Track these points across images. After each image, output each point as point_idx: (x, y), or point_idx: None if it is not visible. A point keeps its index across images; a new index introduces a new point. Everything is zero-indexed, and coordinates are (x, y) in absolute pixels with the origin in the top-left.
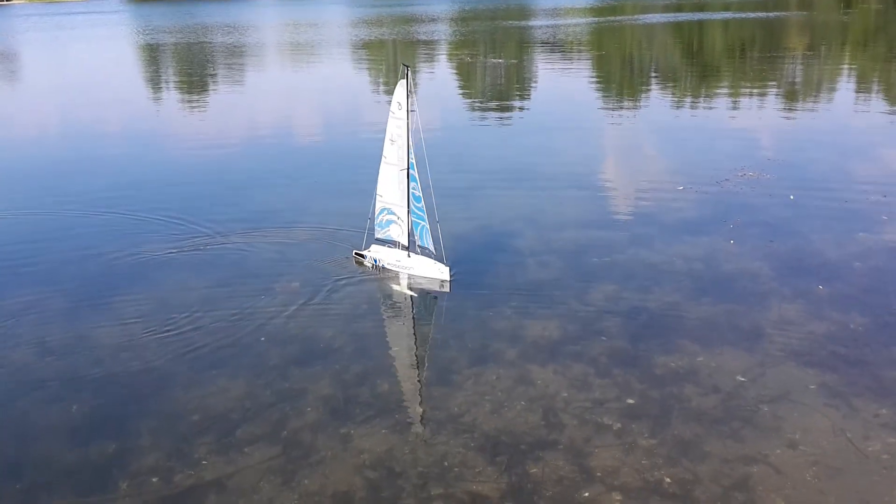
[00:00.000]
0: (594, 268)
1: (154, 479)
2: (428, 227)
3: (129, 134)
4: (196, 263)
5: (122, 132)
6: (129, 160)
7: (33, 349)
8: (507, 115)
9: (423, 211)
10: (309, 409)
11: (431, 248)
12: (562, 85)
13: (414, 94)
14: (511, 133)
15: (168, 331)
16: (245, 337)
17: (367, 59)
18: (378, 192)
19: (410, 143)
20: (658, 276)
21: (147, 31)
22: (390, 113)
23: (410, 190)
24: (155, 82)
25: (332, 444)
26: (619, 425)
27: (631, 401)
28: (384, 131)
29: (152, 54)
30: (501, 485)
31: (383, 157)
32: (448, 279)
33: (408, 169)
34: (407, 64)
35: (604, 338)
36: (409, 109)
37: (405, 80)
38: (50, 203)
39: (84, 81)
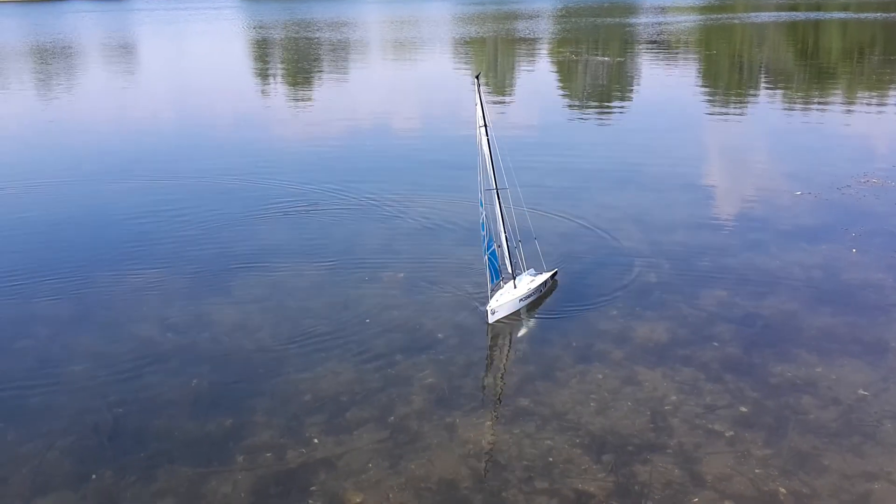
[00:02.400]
0: (705, 271)
1: (268, 455)
2: (499, 249)
3: (242, 124)
4: (307, 251)
5: (234, 125)
6: (241, 148)
7: (156, 325)
8: (610, 114)
9: (485, 238)
10: (415, 396)
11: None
12: (667, 84)
13: (482, 105)
14: (615, 133)
15: (280, 313)
16: (353, 323)
17: (467, 57)
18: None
19: (487, 158)
20: (773, 282)
21: (257, 27)
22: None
23: (481, 216)
24: (264, 76)
25: (438, 432)
26: (731, 433)
27: (744, 409)
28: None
29: (262, 49)
30: (608, 484)
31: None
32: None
33: (496, 189)
34: (478, 74)
35: (715, 343)
36: (480, 124)
37: (477, 93)
38: (174, 186)
39: (200, 73)
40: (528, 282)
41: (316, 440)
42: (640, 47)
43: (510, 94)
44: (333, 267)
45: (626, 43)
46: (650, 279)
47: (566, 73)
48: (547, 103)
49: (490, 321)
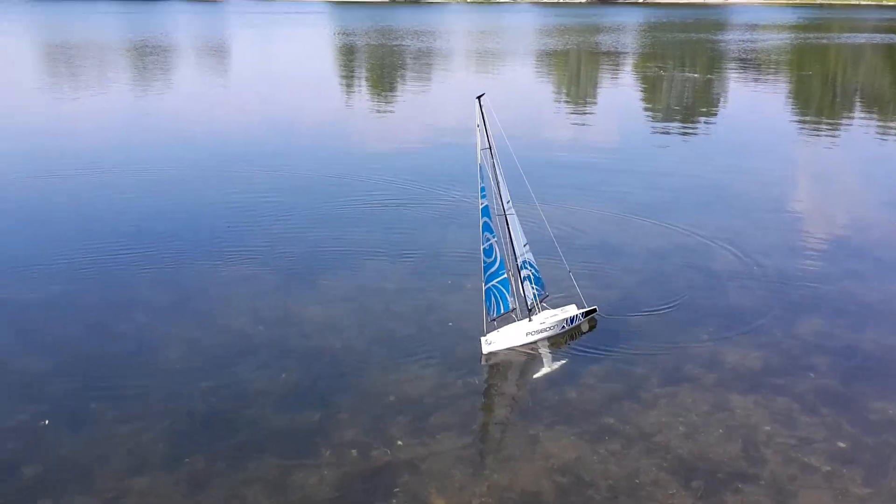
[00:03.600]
0: (801, 298)
1: (353, 452)
2: (510, 278)
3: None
4: (394, 252)
5: (319, 125)
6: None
7: (248, 317)
8: (698, 131)
9: (493, 266)
10: (497, 406)
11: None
12: (757, 104)
13: (485, 127)
14: (701, 151)
15: (366, 314)
16: (436, 327)
17: (549, 69)
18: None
19: (498, 181)
20: (874, 314)
21: (343, 33)
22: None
23: (487, 241)
24: (349, 80)
25: (521, 444)
26: (828, 468)
27: (842, 444)
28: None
29: (348, 55)
30: None
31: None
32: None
33: (504, 213)
34: (480, 95)
35: (812, 374)
36: (484, 146)
37: (479, 115)
38: (269, 182)
39: (289, 75)
40: (548, 316)
41: (400, 441)
42: (729, 65)
43: (591, 109)
44: (418, 270)
45: (713, 60)
46: (743, 303)
47: (651, 88)
48: (630, 119)
49: (484, 351)
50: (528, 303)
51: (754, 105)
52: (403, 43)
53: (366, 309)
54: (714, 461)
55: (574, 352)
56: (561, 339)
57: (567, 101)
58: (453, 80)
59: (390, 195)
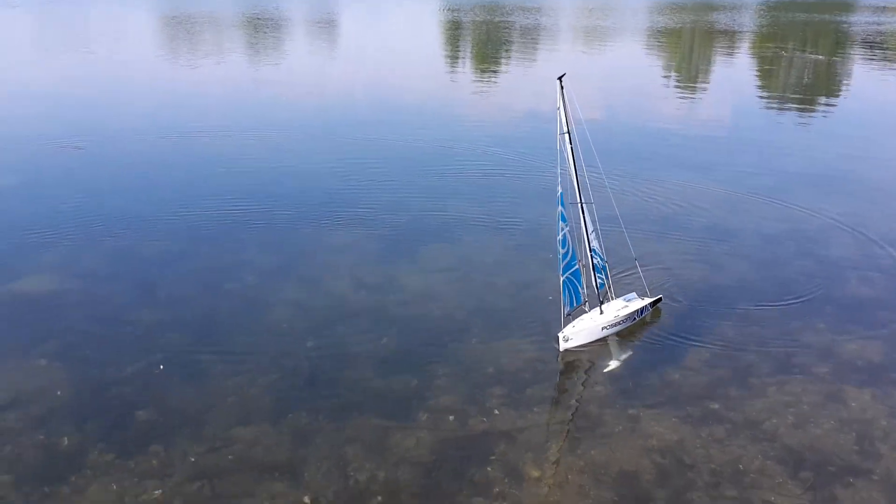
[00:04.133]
0: None
1: (450, 418)
2: (584, 269)
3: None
4: (496, 228)
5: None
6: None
7: (351, 282)
8: (818, 114)
9: (566, 257)
10: (596, 383)
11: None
12: (882, 89)
13: (565, 110)
14: (821, 135)
15: (466, 285)
16: (535, 302)
17: (662, 48)
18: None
19: (575, 170)
20: None
21: (450, 9)
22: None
23: (562, 231)
24: (453, 57)
25: (620, 422)
26: None
27: None
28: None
29: (453, 29)
30: (804, 502)
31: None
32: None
33: (580, 203)
34: (562, 76)
35: None
36: (562, 131)
37: (560, 97)
38: (374, 150)
39: (395, 49)
40: (619, 308)
41: (497, 411)
42: (854, 47)
43: (703, 89)
44: (519, 244)
45: (837, 42)
46: (863, 293)
47: (768, 70)
48: (746, 98)
49: (561, 349)
50: (598, 294)
51: (880, 89)
52: (510, 19)
53: (465, 280)
54: (825, 453)
55: (677, 336)
56: (663, 318)
57: (677, 81)
58: (559, 56)
59: (493, 167)
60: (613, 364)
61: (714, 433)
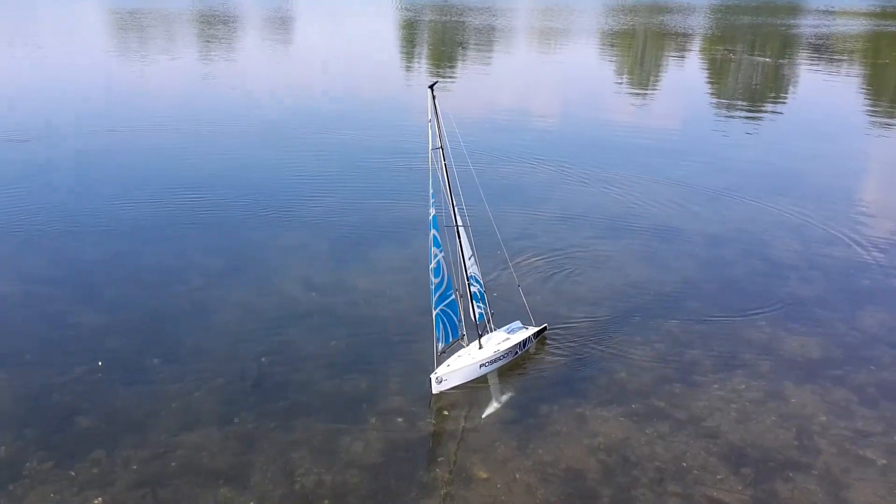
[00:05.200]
0: (866, 291)
1: (399, 420)
2: (460, 299)
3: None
4: (443, 229)
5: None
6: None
7: (300, 284)
8: (765, 117)
9: (440, 287)
10: (545, 383)
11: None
12: (828, 92)
13: (438, 122)
14: (770, 137)
15: (417, 286)
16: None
17: (613, 50)
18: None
19: (449, 189)
20: None
21: (408, 8)
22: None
23: (435, 258)
24: (409, 56)
25: (568, 421)
26: (884, 461)
27: None
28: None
29: (410, 31)
30: (745, 497)
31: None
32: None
33: (455, 226)
34: (433, 85)
35: (872, 367)
36: (435, 146)
37: (432, 107)
38: (323, 151)
39: (351, 49)
40: (499, 341)
41: (446, 412)
42: (802, 51)
43: (653, 91)
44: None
45: (785, 45)
46: (804, 293)
47: (717, 72)
48: (694, 100)
49: (434, 391)
50: (477, 326)
51: (827, 93)
52: (466, 19)
53: (415, 281)
54: (766, 449)
55: (624, 332)
56: (608, 316)
57: (628, 84)
58: (514, 58)
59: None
60: (493, 407)
61: (659, 430)
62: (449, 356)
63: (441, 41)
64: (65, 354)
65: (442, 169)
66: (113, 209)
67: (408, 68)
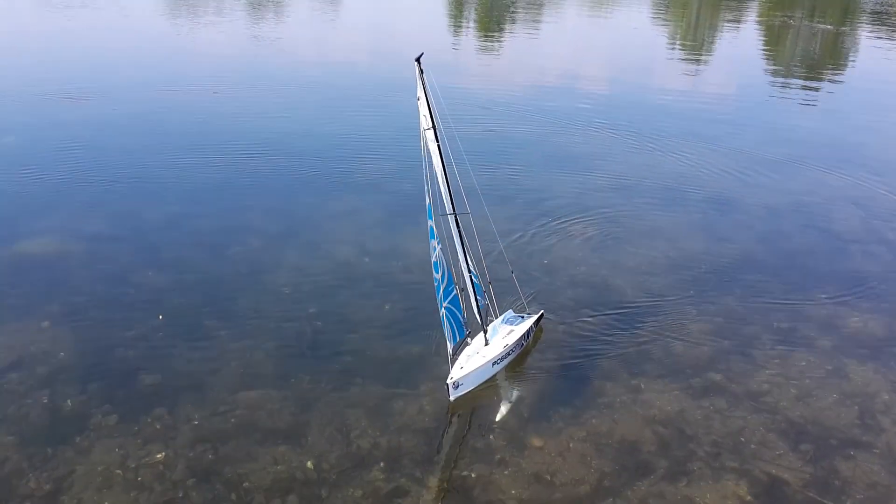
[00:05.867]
0: None
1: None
2: (462, 293)
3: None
4: (503, 196)
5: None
6: None
7: (354, 249)
8: (824, 87)
9: (440, 282)
10: (600, 354)
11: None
12: (891, 61)
13: (428, 100)
14: (830, 107)
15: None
16: (537, 270)
17: (666, 16)
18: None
19: (445, 174)
20: None
21: None
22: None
23: (434, 251)
24: (457, 20)
25: (622, 392)
26: None
27: None
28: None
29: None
30: (805, 474)
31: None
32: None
33: (454, 214)
34: (419, 57)
35: None
36: (427, 126)
37: (420, 83)
38: (377, 120)
39: (395, 15)
40: (504, 335)
41: (499, 381)
42: (863, 18)
43: (708, 58)
44: (523, 214)
45: (846, 12)
46: (868, 267)
47: (775, 39)
48: (751, 70)
49: (452, 398)
50: (481, 319)
51: (888, 62)
52: None
53: (497, 235)
54: (826, 426)
55: (680, 305)
56: (666, 289)
57: (681, 51)
58: (563, 23)
59: (503, 138)
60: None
61: (716, 405)
62: (456, 356)
63: (490, 6)
64: (127, 312)
65: (435, 151)
66: (170, 171)
67: (456, 32)
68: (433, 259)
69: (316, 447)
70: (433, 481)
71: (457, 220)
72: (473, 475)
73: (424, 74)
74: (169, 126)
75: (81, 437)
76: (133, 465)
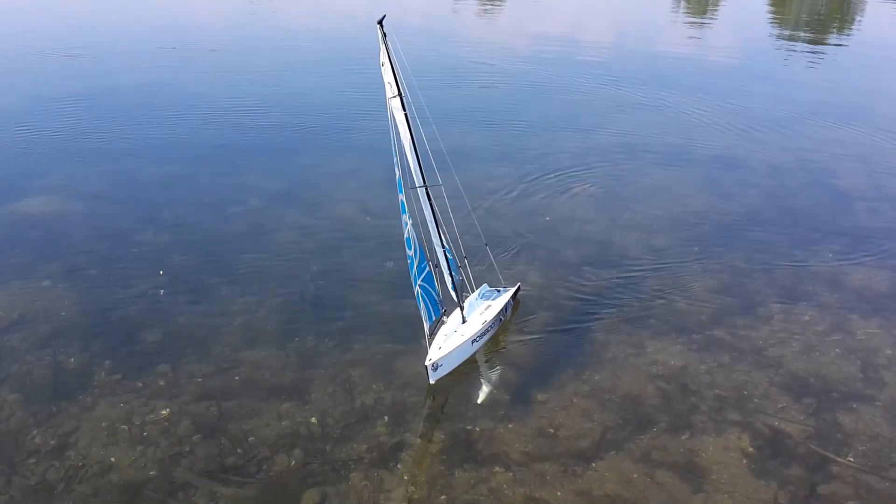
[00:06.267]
0: None
1: None
2: (435, 270)
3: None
4: (504, 154)
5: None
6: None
7: (355, 208)
8: (830, 49)
9: (413, 259)
10: (602, 309)
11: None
12: None
13: (392, 66)
14: (836, 68)
15: (469, 213)
16: (540, 227)
17: None
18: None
19: (414, 144)
20: None
21: None
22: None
23: (406, 227)
24: None
25: (625, 348)
26: None
27: None
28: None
29: None
30: (808, 427)
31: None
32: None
33: (425, 185)
34: (381, 20)
35: None
36: (392, 94)
37: (383, 47)
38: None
39: None
40: (482, 311)
41: (501, 338)
42: None
43: (712, 20)
44: (526, 173)
45: None
46: (872, 224)
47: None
48: (756, 31)
49: (432, 380)
50: (457, 294)
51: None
52: None
53: (468, 206)
54: (829, 380)
55: (684, 262)
56: (671, 244)
57: (687, 13)
58: None
59: (494, 102)
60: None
61: (719, 360)
62: (433, 336)
63: None
64: (128, 271)
65: (402, 120)
66: (168, 129)
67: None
68: (405, 235)
69: (320, 403)
70: (437, 435)
71: (428, 193)
72: (478, 429)
73: (388, 38)
74: (167, 85)
75: (85, 393)
76: (138, 422)
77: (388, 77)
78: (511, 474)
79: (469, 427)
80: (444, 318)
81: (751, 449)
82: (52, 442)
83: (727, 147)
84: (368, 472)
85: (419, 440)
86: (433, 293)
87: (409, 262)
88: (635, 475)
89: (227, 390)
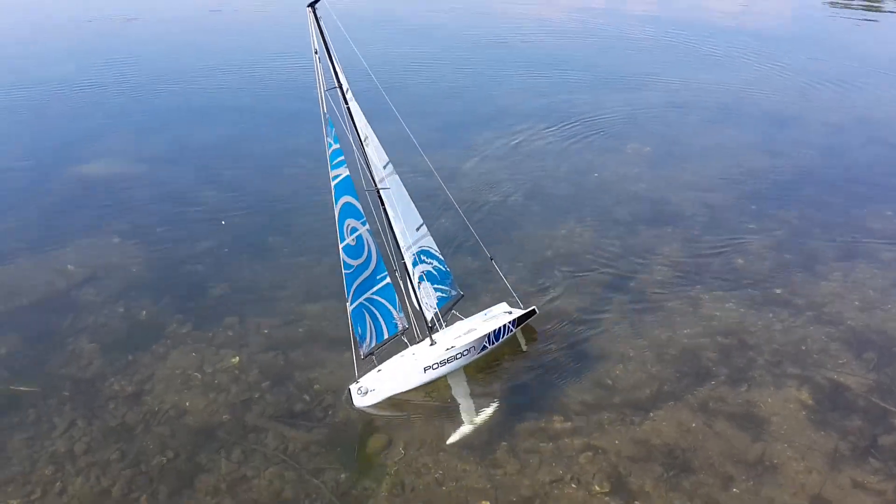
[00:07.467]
0: None
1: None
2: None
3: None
4: (548, 120)
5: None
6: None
7: (408, 169)
8: (887, 4)
9: (365, 269)
10: (657, 266)
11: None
12: None
13: (329, 54)
14: (893, 24)
15: (522, 173)
16: (590, 192)
17: None
18: None
19: (361, 141)
20: None
21: None
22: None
23: (354, 233)
24: None
25: (682, 304)
26: None
27: None
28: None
29: None
30: (868, 381)
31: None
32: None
33: (376, 188)
34: (313, 3)
35: None
36: (330, 86)
37: (315, 33)
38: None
39: None
40: (459, 335)
41: (554, 291)
42: None
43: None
44: (572, 134)
45: None
46: None
47: None
48: None
49: (357, 405)
50: (428, 316)
51: None
52: None
53: (521, 168)
54: (890, 335)
55: (740, 220)
56: (726, 201)
57: None
58: None
59: (548, 67)
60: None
61: (778, 316)
62: (384, 359)
63: None
64: (192, 229)
65: (346, 114)
66: (221, 93)
67: None
68: (343, 243)
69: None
70: (495, 387)
71: (380, 197)
72: (535, 382)
73: (322, 22)
74: (218, 47)
75: (158, 343)
76: (209, 370)
77: (322, 65)
78: (570, 423)
79: (525, 379)
80: (404, 339)
81: (810, 401)
82: (130, 388)
83: (782, 107)
84: (430, 420)
85: (475, 398)
86: (389, 309)
87: (348, 274)
88: (693, 424)
89: (292, 341)
